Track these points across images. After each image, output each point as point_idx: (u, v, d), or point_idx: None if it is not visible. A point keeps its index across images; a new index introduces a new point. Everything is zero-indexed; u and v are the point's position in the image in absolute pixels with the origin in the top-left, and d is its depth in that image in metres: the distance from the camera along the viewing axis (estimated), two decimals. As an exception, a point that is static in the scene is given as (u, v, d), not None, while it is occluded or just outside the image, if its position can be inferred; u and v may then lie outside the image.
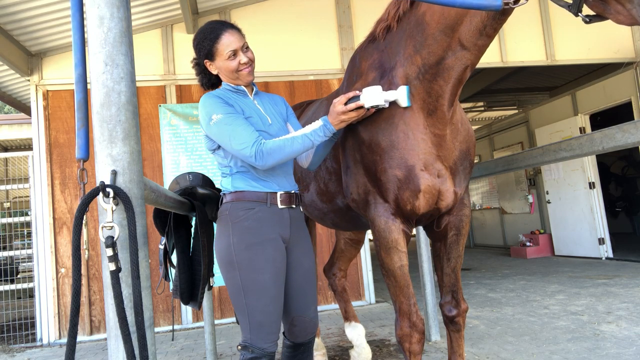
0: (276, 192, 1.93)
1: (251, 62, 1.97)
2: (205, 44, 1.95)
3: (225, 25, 1.96)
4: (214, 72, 2.00)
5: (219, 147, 1.93)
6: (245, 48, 1.96)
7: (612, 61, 6.84)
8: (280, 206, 1.93)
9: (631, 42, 6.76)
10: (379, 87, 1.85)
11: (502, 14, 1.70)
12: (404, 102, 1.90)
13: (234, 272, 1.85)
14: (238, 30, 1.98)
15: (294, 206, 1.99)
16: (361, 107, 1.87)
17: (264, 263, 1.85)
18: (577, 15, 1.53)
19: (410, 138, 1.92)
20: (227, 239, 1.88)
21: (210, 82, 2.07)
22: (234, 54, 1.92)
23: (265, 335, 1.84)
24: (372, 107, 1.88)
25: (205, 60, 1.99)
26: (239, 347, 1.86)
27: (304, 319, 2.03)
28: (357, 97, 1.88)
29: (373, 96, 1.85)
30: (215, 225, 2.53)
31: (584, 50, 6.59)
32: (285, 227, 1.95)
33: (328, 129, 1.87)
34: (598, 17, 1.52)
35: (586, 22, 1.55)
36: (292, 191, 2.00)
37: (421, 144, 1.92)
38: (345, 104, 1.87)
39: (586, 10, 1.54)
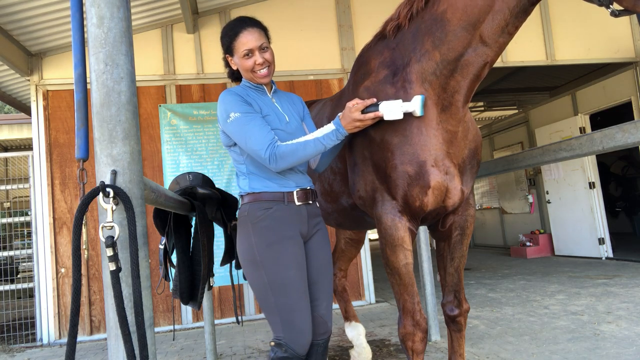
0: (293, 191, 1.94)
1: (268, 63, 1.97)
2: (225, 40, 1.99)
3: (246, 23, 1.97)
4: (234, 67, 2.04)
5: (235, 144, 1.94)
6: (264, 48, 1.95)
7: (612, 61, 6.83)
8: (297, 203, 1.94)
9: (631, 42, 6.76)
10: (399, 101, 1.87)
11: (524, 13, 1.74)
12: (418, 112, 1.91)
13: (259, 271, 1.85)
14: (260, 28, 1.98)
15: (310, 202, 2.00)
16: (379, 117, 1.89)
17: (287, 260, 1.85)
18: (608, 8, 1.57)
19: (423, 134, 1.93)
20: (248, 240, 1.89)
21: (234, 75, 2.10)
22: (250, 53, 1.94)
23: (297, 335, 1.81)
24: (389, 119, 1.90)
25: (227, 55, 2.03)
26: (272, 344, 1.83)
27: (314, 315, 1.96)
28: (374, 106, 1.89)
29: (393, 110, 1.86)
30: (214, 225, 2.54)
31: (584, 50, 6.59)
32: (303, 224, 1.96)
33: (340, 132, 1.89)
34: (626, 12, 1.55)
35: (615, 16, 1.57)
36: (308, 187, 2.01)
37: (433, 140, 1.93)
38: (363, 111, 1.89)
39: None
